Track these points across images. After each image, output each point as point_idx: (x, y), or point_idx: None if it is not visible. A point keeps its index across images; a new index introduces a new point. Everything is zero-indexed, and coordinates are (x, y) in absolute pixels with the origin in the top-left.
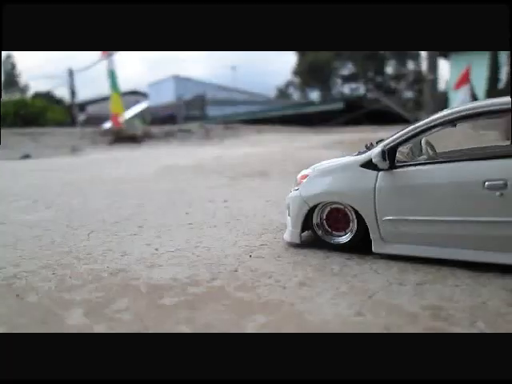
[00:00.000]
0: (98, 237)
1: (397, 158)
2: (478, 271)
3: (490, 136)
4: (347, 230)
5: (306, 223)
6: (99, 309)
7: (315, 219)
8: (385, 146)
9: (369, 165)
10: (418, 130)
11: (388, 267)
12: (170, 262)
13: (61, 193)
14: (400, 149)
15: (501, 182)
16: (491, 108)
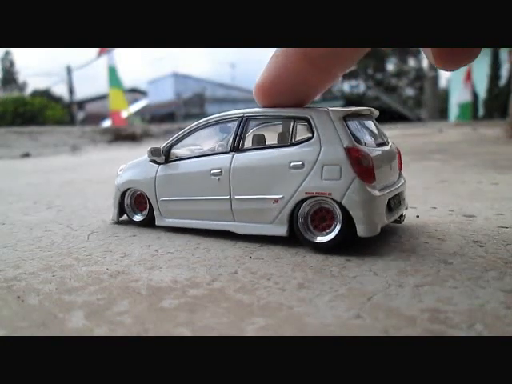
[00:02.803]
0: (97, 238)
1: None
2: (476, 273)
3: (490, 134)
4: (144, 211)
5: (122, 205)
6: (100, 311)
7: (126, 202)
8: (163, 147)
9: (154, 160)
10: (181, 135)
11: (387, 268)
12: (170, 263)
13: (61, 193)
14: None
15: (219, 170)
16: (226, 117)
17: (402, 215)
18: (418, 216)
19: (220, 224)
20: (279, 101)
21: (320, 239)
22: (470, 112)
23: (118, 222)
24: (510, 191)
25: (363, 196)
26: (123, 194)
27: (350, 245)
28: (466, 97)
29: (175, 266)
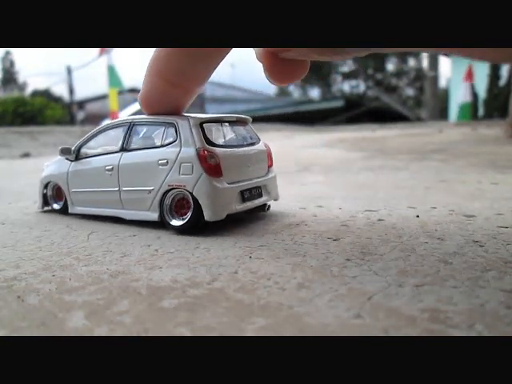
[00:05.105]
0: (97, 237)
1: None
2: (476, 273)
3: (490, 134)
4: (61, 201)
5: (46, 196)
6: (100, 311)
7: (48, 193)
8: (75, 146)
9: (68, 158)
10: (89, 136)
11: (387, 268)
12: (170, 263)
13: None
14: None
15: (111, 167)
16: (120, 122)
17: (265, 205)
18: (418, 216)
19: (113, 211)
20: (155, 111)
21: (175, 222)
22: (470, 112)
23: (45, 211)
24: (510, 191)
25: (208, 188)
26: (46, 187)
27: (201, 228)
28: (466, 97)
29: (175, 266)
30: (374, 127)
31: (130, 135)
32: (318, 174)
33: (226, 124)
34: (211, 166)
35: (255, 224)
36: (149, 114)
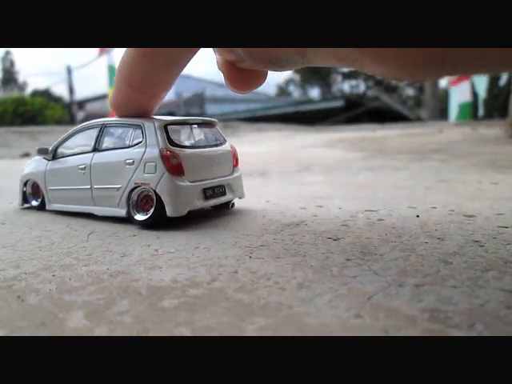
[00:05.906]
0: (97, 237)
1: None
2: (476, 272)
3: (490, 134)
4: (39, 198)
5: (25, 193)
6: (100, 311)
7: (27, 190)
8: (53, 147)
9: (45, 157)
10: (65, 137)
11: (387, 268)
12: (170, 263)
13: None
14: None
15: (84, 166)
16: (93, 124)
17: (229, 203)
18: (418, 216)
19: (87, 208)
20: (124, 113)
21: (139, 217)
22: (470, 112)
23: (24, 208)
24: (510, 191)
25: (170, 186)
26: (25, 184)
27: (164, 222)
28: (465, 96)
29: (175, 266)
30: (374, 127)
31: (101, 136)
32: (318, 174)
33: (194, 126)
34: (173, 165)
35: (255, 224)
36: (119, 117)
